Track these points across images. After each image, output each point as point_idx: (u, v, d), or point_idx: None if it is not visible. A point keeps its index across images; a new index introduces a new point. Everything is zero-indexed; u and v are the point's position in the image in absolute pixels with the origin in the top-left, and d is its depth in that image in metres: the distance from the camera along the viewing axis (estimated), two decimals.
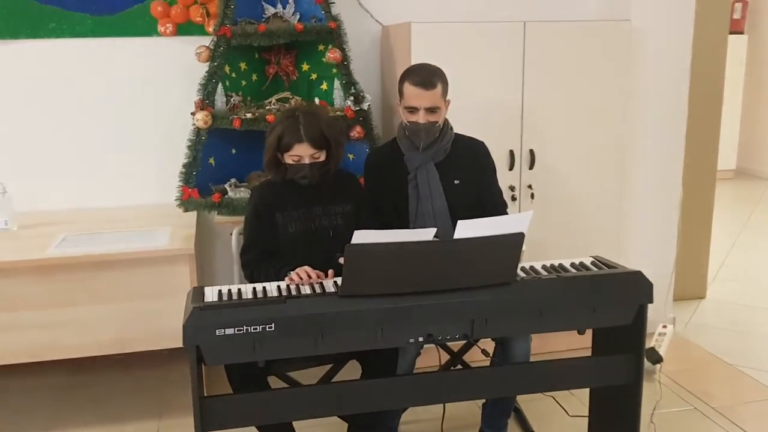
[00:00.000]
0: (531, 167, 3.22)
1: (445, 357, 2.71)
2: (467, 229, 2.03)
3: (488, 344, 2.53)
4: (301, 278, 2.17)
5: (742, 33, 7.59)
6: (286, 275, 2.22)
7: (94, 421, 2.93)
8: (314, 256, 2.27)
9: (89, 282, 2.71)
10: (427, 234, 2.01)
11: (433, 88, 2.44)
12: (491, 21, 3.11)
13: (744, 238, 5.61)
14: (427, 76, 2.45)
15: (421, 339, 2.07)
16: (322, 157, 2.36)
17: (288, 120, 2.34)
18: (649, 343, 3.36)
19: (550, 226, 3.26)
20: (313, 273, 2.19)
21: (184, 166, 3.04)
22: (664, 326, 3.48)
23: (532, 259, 2.33)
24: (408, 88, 2.46)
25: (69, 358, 2.80)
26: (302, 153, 2.32)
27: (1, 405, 3.09)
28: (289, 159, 2.35)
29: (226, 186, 3.07)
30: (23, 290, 2.66)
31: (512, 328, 2.21)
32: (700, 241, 4.21)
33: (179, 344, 1.95)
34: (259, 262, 2.36)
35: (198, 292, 2.10)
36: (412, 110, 2.47)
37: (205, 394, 2.06)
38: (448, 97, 2.53)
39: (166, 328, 2.64)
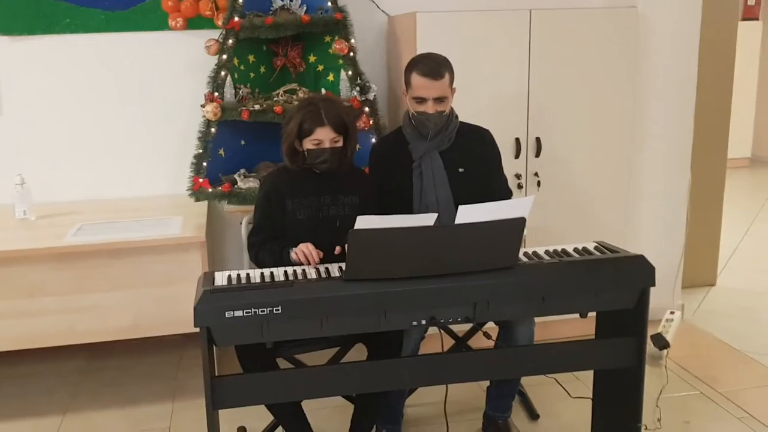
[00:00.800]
0: (537, 155, 3.25)
1: (450, 343, 2.76)
2: (469, 214, 2.06)
3: (493, 331, 2.57)
4: (305, 254, 2.25)
5: (756, 19, 7.53)
6: (290, 253, 2.31)
7: (111, 404, 3.02)
8: (320, 244, 2.32)
9: (105, 269, 2.79)
10: (428, 219, 2.06)
11: (441, 78, 2.48)
12: (497, 9, 3.14)
13: (757, 225, 5.59)
14: (435, 67, 2.48)
15: (424, 322, 2.12)
16: (341, 142, 2.42)
17: (307, 107, 2.40)
18: (657, 329, 3.39)
19: (557, 213, 3.29)
20: (314, 251, 2.25)
21: (195, 157, 3.11)
22: (672, 312, 3.50)
23: (540, 246, 2.37)
24: (416, 78, 2.49)
25: (85, 343, 2.87)
26: (323, 137, 2.37)
27: (20, 388, 3.18)
28: (309, 144, 2.40)
29: (236, 176, 3.14)
30: (41, 277, 2.75)
31: (514, 311, 2.25)
32: (711, 228, 4.22)
33: (192, 329, 2.02)
34: (264, 244, 2.43)
35: (209, 277, 2.17)
36: (421, 101, 2.50)
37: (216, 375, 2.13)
38: (453, 85, 2.56)
39: (179, 314, 2.70)
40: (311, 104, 2.41)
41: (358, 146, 2.75)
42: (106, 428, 2.84)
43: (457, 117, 2.64)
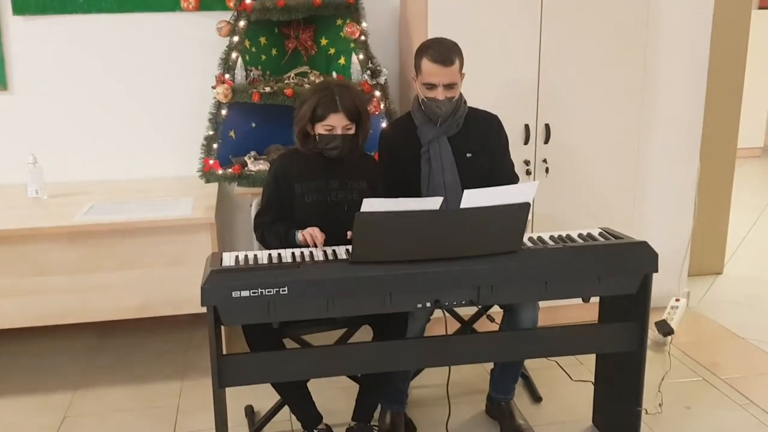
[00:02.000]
0: (546, 141, 3.25)
1: (454, 327, 2.79)
2: (474, 198, 2.08)
3: (498, 315, 2.60)
4: (311, 236, 2.28)
5: None
6: (295, 236, 2.35)
7: (121, 381, 3.07)
8: (328, 229, 2.35)
9: (115, 248, 2.83)
10: (434, 203, 2.08)
11: (452, 65, 2.48)
12: None
13: (767, 215, 5.57)
14: (446, 53, 2.48)
15: (428, 304, 2.15)
16: (353, 129, 2.43)
17: (323, 92, 2.41)
18: (662, 316, 3.41)
19: (564, 200, 3.30)
20: (319, 235, 2.28)
21: (206, 138, 3.14)
22: (677, 299, 3.52)
23: (545, 232, 2.39)
24: (426, 64, 2.50)
25: (96, 321, 2.93)
26: (336, 123, 2.39)
27: (31, 365, 3.24)
28: (321, 129, 2.41)
29: (246, 158, 3.16)
30: (53, 256, 2.79)
31: (518, 295, 2.27)
32: (719, 217, 4.21)
33: (201, 309, 2.06)
34: (271, 225, 2.46)
35: (216, 257, 2.20)
36: (431, 86, 2.51)
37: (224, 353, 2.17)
38: (463, 71, 2.57)
39: (188, 294, 2.74)
40: (326, 89, 2.42)
41: (369, 131, 2.77)
42: (115, 405, 2.90)
43: (465, 102, 2.65)
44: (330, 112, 2.38)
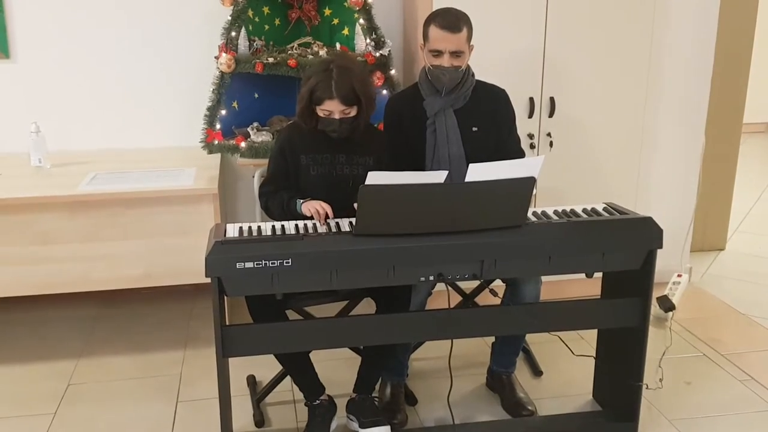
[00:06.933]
0: (551, 115, 3.23)
1: (456, 300, 2.79)
2: (479, 172, 2.07)
3: (500, 289, 2.60)
4: (318, 213, 2.27)
5: None
6: (297, 204, 2.35)
7: (124, 350, 3.10)
8: (332, 203, 2.33)
9: (118, 218, 2.83)
10: (439, 177, 2.07)
11: (459, 32, 2.46)
12: None
13: None
14: (454, 20, 2.47)
15: (431, 278, 2.15)
16: (353, 112, 2.40)
17: (322, 73, 2.36)
18: (663, 292, 3.41)
19: (569, 175, 3.28)
20: (323, 209, 2.28)
21: (209, 109, 3.11)
22: (679, 275, 3.52)
23: (549, 207, 2.38)
24: (434, 31, 2.48)
25: (99, 290, 2.94)
26: (333, 108, 2.36)
27: (37, 333, 3.26)
28: (320, 112, 2.39)
29: (249, 129, 3.14)
30: (56, 225, 2.79)
31: (521, 269, 2.27)
32: (723, 193, 4.20)
33: (203, 280, 2.06)
34: (275, 194, 2.45)
35: (220, 228, 2.20)
36: (437, 54, 2.49)
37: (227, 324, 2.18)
38: (471, 43, 2.54)
39: (191, 264, 2.74)
40: (326, 71, 2.36)
41: (373, 110, 2.73)
42: (119, 373, 2.92)
43: (473, 75, 2.62)
44: (326, 98, 2.34)
